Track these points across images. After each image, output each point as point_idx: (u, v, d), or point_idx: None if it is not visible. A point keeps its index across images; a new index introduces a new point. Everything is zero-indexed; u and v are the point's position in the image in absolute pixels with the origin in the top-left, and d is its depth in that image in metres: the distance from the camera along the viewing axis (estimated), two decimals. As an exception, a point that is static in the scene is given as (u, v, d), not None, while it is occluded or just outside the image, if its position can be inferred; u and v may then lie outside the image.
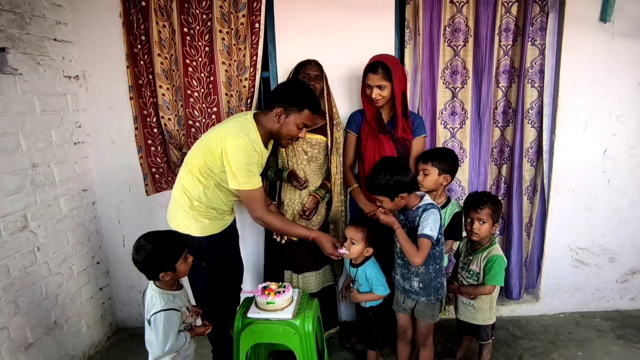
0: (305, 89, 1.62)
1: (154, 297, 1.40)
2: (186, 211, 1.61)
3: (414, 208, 1.56)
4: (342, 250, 1.67)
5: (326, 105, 1.89)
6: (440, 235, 1.55)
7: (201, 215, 1.61)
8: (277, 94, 1.59)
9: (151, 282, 1.44)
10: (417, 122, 1.92)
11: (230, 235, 1.76)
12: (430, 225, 1.48)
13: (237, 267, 1.89)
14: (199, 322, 1.58)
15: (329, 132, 1.91)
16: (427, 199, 1.58)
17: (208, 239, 1.63)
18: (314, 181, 1.95)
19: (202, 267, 1.63)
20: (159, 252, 1.36)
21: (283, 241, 1.94)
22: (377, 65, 1.75)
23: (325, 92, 1.88)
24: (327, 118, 1.90)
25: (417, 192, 1.60)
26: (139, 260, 1.37)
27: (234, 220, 1.83)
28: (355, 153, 1.99)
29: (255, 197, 1.56)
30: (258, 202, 1.58)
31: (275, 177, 1.93)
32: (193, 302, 1.70)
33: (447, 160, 1.75)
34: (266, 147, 1.66)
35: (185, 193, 1.61)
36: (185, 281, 1.72)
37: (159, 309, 1.37)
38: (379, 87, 1.77)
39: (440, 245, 1.59)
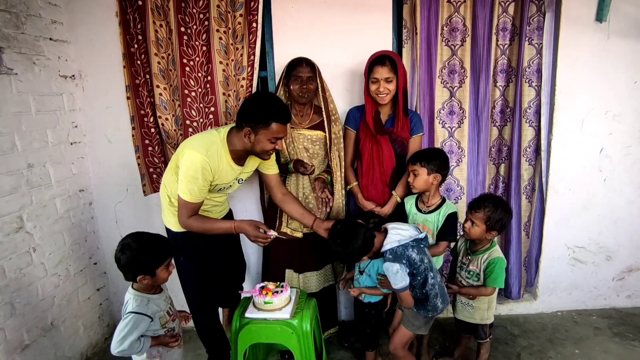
0: (268, 102, 1.52)
1: (129, 300, 1.40)
2: (167, 206, 1.67)
3: (381, 250, 1.57)
4: (271, 232, 1.60)
5: (322, 102, 1.88)
6: (415, 270, 1.55)
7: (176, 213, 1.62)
8: (242, 113, 1.53)
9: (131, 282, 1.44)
10: (415, 120, 1.92)
11: (213, 235, 1.71)
12: (394, 281, 1.52)
13: (228, 267, 1.87)
14: (190, 324, 1.59)
15: (326, 129, 1.90)
16: (389, 240, 1.55)
17: (185, 235, 1.64)
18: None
19: (181, 261, 1.65)
20: (142, 254, 1.35)
21: (296, 233, 1.93)
22: (384, 57, 1.76)
23: (320, 89, 1.87)
24: (324, 115, 1.90)
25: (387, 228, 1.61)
26: (121, 258, 1.36)
27: (226, 218, 1.82)
28: (354, 150, 1.99)
29: (185, 205, 1.55)
30: (185, 210, 1.56)
31: (282, 172, 1.90)
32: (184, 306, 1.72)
33: (435, 160, 1.74)
34: (240, 163, 1.64)
35: (164, 190, 1.66)
36: (173, 284, 1.71)
37: (130, 311, 1.36)
38: (387, 80, 1.76)
39: (416, 279, 1.58)
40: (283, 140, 1.58)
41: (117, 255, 1.37)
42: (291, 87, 1.83)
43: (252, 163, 1.72)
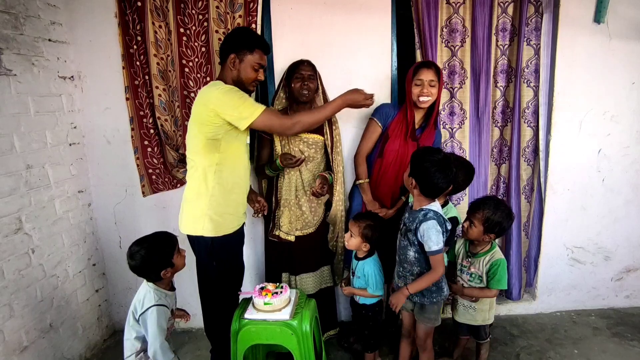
0: (252, 31, 1.66)
1: (148, 293, 1.43)
2: (202, 210, 1.56)
3: (418, 209, 1.55)
4: (370, 94, 1.66)
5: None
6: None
7: (217, 214, 1.57)
8: (229, 42, 1.58)
9: (145, 280, 1.47)
10: (439, 136, 1.97)
11: (240, 237, 1.75)
12: (434, 239, 1.48)
13: (242, 270, 1.87)
14: (189, 324, 1.62)
15: (327, 132, 1.91)
16: (434, 206, 1.54)
17: (221, 240, 1.61)
18: (311, 182, 1.94)
19: (212, 267, 1.63)
20: (154, 254, 1.41)
21: (291, 238, 1.93)
22: (431, 64, 1.82)
23: (320, 91, 1.88)
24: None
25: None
26: (136, 266, 1.41)
27: (244, 223, 1.82)
28: (373, 146, 1.95)
29: (271, 115, 1.53)
30: (277, 116, 1.57)
31: (272, 169, 1.89)
32: (182, 305, 1.73)
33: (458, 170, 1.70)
34: None
35: (201, 192, 1.56)
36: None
37: (153, 304, 1.40)
38: (431, 83, 1.79)
39: None
40: (262, 72, 1.61)
41: (130, 264, 1.42)
42: (292, 86, 1.84)
43: None
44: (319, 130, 1.91)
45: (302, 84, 1.82)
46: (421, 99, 1.80)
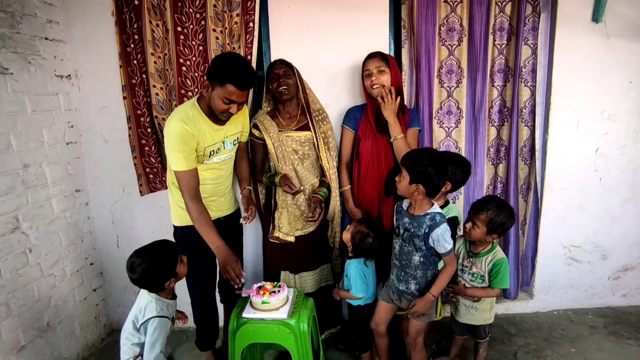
0: (232, 63, 1.49)
1: (150, 303, 1.39)
2: (173, 199, 1.72)
3: (422, 214, 1.54)
4: (243, 275, 1.55)
5: (303, 102, 1.89)
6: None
7: (179, 205, 1.69)
8: (209, 67, 1.55)
9: (144, 290, 1.42)
10: (413, 115, 1.92)
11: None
12: (447, 240, 1.51)
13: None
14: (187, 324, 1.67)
15: (312, 128, 1.90)
16: (437, 208, 1.55)
17: (183, 229, 1.72)
18: (310, 179, 1.93)
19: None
20: (158, 264, 1.37)
21: (290, 238, 1.91)
22: (375, 53, 1.84)
23: (301, 90, 1.88)
24: (308, 115, 1.89)
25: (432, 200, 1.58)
26: (137, 279, 1.36)
27: (230, 218, 1.83)
28: (351, 150, 1.97)
29: (180, 178, 1.56)
30: (183, 183, 1.56)
31: (269, 182, 1.90)
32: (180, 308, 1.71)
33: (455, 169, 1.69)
34: (219, 123, 1.63)
35: (170, 187, 1.72)
36: (182, 281, 1.71)
37: (155, 315, 1.36)
38: (379, 69, 1.78)
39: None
40: (237, 106, 1.55)
41: (132, 277, 1.37)
42: (270, 87, 1.85)
43: (235, 125, 1.74)
44: (308, 127, 1.91)
45: (278, 82, 1.81)
46: (373, 89, 1.80)
